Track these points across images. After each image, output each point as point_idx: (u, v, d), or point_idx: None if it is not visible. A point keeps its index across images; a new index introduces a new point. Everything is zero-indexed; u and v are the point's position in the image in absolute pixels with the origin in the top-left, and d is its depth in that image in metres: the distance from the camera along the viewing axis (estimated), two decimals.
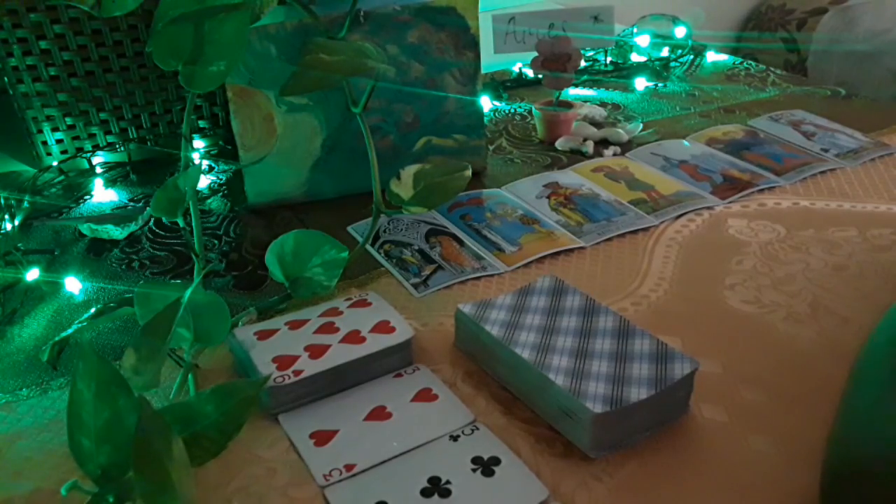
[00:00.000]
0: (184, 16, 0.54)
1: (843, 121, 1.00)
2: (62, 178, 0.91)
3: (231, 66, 0.57)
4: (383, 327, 0.57)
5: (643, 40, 1.27)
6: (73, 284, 0.70)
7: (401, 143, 0.83)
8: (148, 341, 0.46)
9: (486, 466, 0.47)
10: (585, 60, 1.24)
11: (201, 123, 0.98)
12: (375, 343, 0.55)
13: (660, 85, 1.18)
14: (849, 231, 0.75)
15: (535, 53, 0.97)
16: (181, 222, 0.60)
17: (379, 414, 0.52)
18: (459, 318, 0.59)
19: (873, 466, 0.41)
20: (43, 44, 0.85)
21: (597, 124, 1.01)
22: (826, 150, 0.92)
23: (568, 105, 0.99)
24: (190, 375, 0.55)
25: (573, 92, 1.15)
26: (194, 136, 0.97)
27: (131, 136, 0.94)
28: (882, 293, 0.65)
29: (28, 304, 0.68)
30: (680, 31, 1.27)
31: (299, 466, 0.49)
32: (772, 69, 1.25)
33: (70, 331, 0.58)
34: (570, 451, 0.49)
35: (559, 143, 0.97)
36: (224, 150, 0.98)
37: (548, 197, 0.83)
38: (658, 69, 1.22)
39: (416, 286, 0.68)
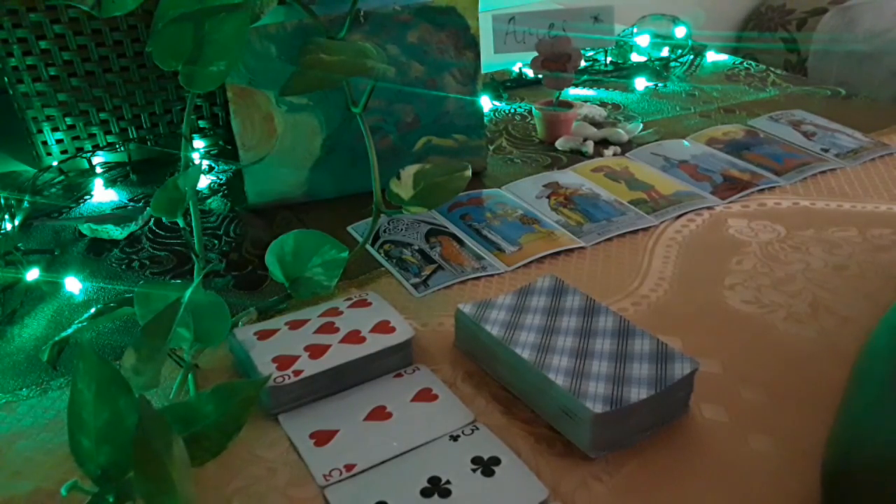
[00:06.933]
0: (184, 16, 0.54)
1: (843, 121, 1.00)
2: (62, 178, 0.91)
3: (231, 66, 0.57)
4: (383, 327, 0.57)
5: (643, 40, 1.27)
6: (73, 284, 0.70)
7: (401, 143, 0.83)
8: (148, 341, 0.46)
9: (486, 466, 0.47)
10: (585, 60, 1.24)
11: (201, 123, 0.98)
12: (375, 343, 0.55)
13: (660, 85, 1.18)
14: (849, 231, 0.75)
15: (535, 53, 0.97)
16: (181, 222, 0.60)
17: (379, 414, 0.52)
18: (459, 318, 0.59)
19: (873, 468, 0.41)
20: (43, 44, 0.85)
21: (597, 124, 1.01)
22: (826, 150, 0.92)
23: (568, 105, 0.99)
24: (190, 375, 0.55)
25: (573, 92, 1.15)
26: (194, 136, 0.97)
27: (131, 136, 0.94)
28: (882, 293, 0.65)
29: (28, 304, 0.68)
30: (680, 31, 1.27)
31: (299, 466, 0.49)
32: (772, 69, 1.25)
33: (70, 331, 0.58)
34: (570, 451, 0.49)
35: (559, 143, 0.97)
36: (224, 150, 0.98)
37: (548, 197, 0.83)
38: (658, 69, 1.22)
39: (416, 286, 0.68)
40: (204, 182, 0.90)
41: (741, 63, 1.29)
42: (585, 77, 1.20)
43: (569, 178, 0.87)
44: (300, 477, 0.48)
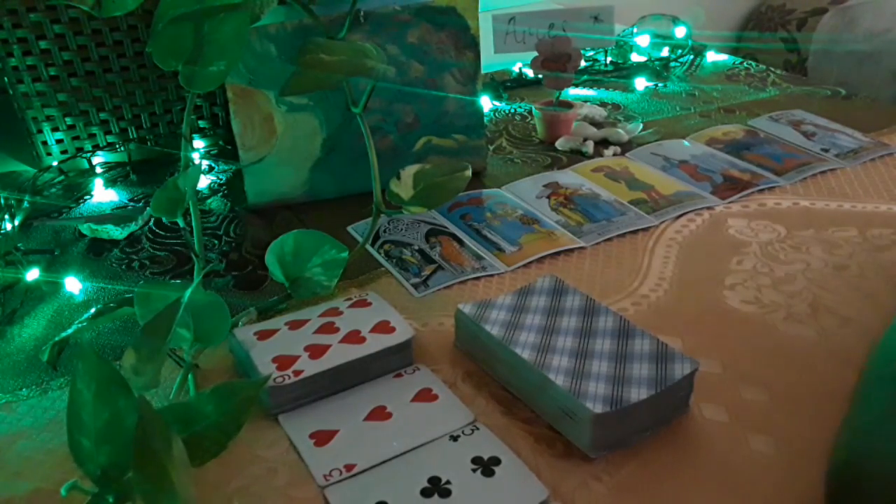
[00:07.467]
0: (184, 16, 0.54)
1: (843, 121, 1.00)
2: (62, 178, 0.91)
3: (231, 66, 0.57)
4: (383, 327, 0.57)
5: (643, 40, 1.27)
6: (73, 284, 0.70)
7: (401, 143, 0.83)
8: (148, 341, 0.46)
9: (486, 466, 0.47)
10: (585, 60, 1.24)
11: (201, 123, 0.98)
12: (375, 343, 0.55)
13: (660, 85, 1.18)
14: (849, 231, 0.75)
15: (535, 53, 0.97)
16: (181, 222, 0.60)
17: (379, 414, 0.52)
18: (459, 318, 0.59)
19: (884, 479, 0.40)
20: (43, 44, 0.85)
21: (597, 124, 1.01)
22: (826, 150, 0.92)
23: (568, 105, 0.99)
24: (190, 375, 0.55)
25: (573, 92, 1.15)
26: (194, 136, 0.97)
27: (131, 136, 0.94)
28: (882, 293, 0.65)
29: (28, 304, 0.68)
30: (680, 31, 1.27)
31: (299, 466, 0.49)
32: (772, 69, 1.25)
33: (70, 331, 0.58)
34: (570, 451, 0.49)
35: (559, 143, 0.97)
36: (224, 150, 0.98)
37: (548, 197, 0.83)
38: (658, 69, 1.22)
39: (416, 286, 0.68)
40: (204, 182, 0.90)
41: (741, 63, 1.29)
42: (585, 77, 1.20)
43: (569, 178, 0.87)
44: (300, 477, 0.48)
